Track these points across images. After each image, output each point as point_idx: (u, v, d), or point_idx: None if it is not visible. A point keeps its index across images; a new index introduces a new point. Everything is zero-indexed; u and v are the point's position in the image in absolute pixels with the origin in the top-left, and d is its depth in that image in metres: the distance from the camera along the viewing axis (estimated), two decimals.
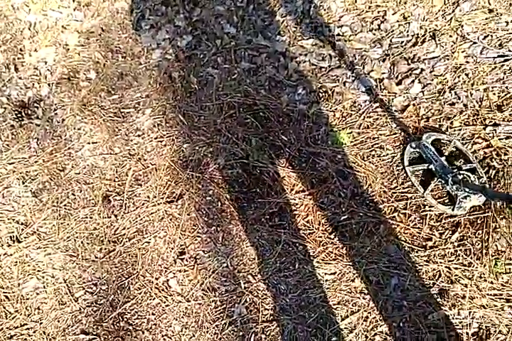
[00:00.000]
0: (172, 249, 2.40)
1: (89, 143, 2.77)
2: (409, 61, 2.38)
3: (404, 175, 2.23)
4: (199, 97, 2.70)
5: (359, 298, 2.09)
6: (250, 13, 2.78)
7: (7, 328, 2.44)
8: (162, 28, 2.94)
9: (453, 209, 2.11)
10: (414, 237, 2.12)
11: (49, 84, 3.03)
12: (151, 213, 2.50)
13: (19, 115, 2.98)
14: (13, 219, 2.69)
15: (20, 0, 3.36)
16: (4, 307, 2.49)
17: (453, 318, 1.96)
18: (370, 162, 2.29)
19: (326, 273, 2.16)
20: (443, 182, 2.15)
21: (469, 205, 2.10)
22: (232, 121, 2.58)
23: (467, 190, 2.03)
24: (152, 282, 2.36)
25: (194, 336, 2.22)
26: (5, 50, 3.25)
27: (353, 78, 2.44)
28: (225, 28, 2.79)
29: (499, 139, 2.15)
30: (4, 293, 2.52)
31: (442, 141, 2.23)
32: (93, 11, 3.17)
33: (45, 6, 3.27)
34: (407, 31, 2.44)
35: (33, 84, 3.07)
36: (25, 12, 3.31)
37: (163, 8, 2.98)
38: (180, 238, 2.41)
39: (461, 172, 2.10)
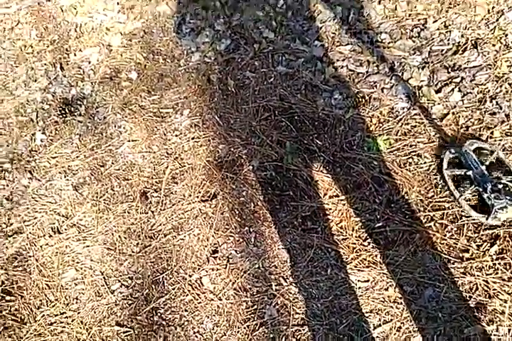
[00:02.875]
0: (205, 247, 2.18)
1: (128, 141, 2.56)
2: (450, 69, 2.10)
3: (442, 184, 1.96)
4: (236, 100, 2.46)
5: (392, 307, 1.84)
6: (289, 18, 2.52)
7: (48, 315, 2.27)
8: (202, 31, 2.71)
9: (487, 219, 1.85)
10: (451, 248, 1.86)
11: (92, 83, 2.83)
12: (186, 211, 2.28)
13: (63, 111, 2.78)
14: (55, 211, 2.51)
15: (68, 3, 3.16)
16: (46, 295, 2.32)
17: (491, 334, 1.70)
18: (406, 169, 2.02)
19: (358, 280, 1.91)
20: (480, 190, 1.89)
21: (505, 217, 1.84)
22: (268, 123, 2.33)
23: (507, 198, 1.78)
24: (185, 279, 2.15)
25: (225, 335, 2.00)
26: (52, 49, 3.06)
27: (391, 84, 2.18)
28: (264, 33, 2.54)
29: None
30: (46, 281, 2.35)
31: (484, 150, 1.94)
32: (136, 14, 2.96)
33: (90, 9, 3.08)
34: (448, 39, 2.16)
35: (77, 82, 2.87)
36: (73, 14, 3.13)
37: (203, 13, 2.74)
38: (213, 236, 2.19)
39: (502, 181, 1.82)
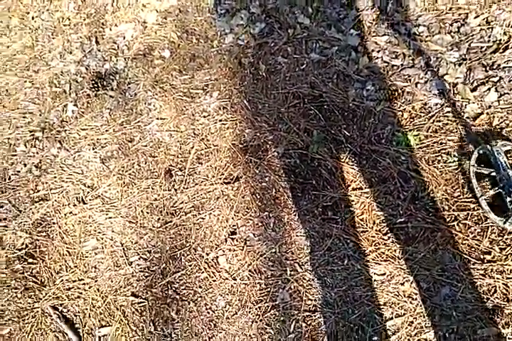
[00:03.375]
0: (224, 227, 2.13)
1: (157, 119, 2.50)
2: (488, 68, 1.97)
3: (469, 184, 1.85)
4: (266, 85, 2.37)
5: (406, 302, 1.78)
6: (326, 5, 2.40)
7: (66, 280, 2.28)
8: (237, 13, 2.60)
9: (504, 223, 1.75)
10: (472, 249, 1.77)
11: (125, 59, 2.76)
12: (209, 191, 2.22)
13: (95, 85, 2.73)
14: (81, 182, 2.48)
15: None
16: (65, 261, 2.32)
17: (506, 337, 1.62)
18: (434, 167, 1.92)
19: (375, 273, 1.85)
20: (504, 193, 1.77)
21: None
22: (296, 111, 2.24)
23: None
24: (203, 256, 2.11)
25: (237, 314, 1.97)
26: (89, 23, 2.99)
27: (426, 79, 2.06)
28: (299, 18, 2.42)
29: None
30: (67, 248, 2.35)
31: None
32: None
33: None
34: (489, 36, 2.02)
35: (111, 57, 2.80)
36: None
37: None
38: (233, 218, 2.13)
39: None
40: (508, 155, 1.84)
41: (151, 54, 2.72)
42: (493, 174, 1.82)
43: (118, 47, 2.83)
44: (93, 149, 2.54)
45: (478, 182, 1.84)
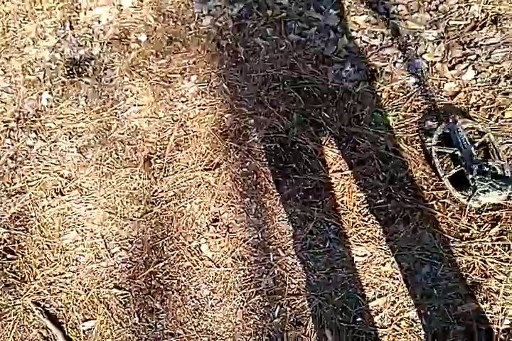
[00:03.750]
0: (206, 215, 2.20)
1: (135, 105, 2.55)
2: (465, 46, 2.04)
3: (448, 163, 1.94)
4: (245, 67, 2.42)
5: (388, 282, 1.87)
6: None
7: (47, 275, 2.32)
8: None
9: (468, 200, 1.85)
10: (451, 227, 1.87)
11: (101, 44, 2.79)
12: (189, 179, 2.29)
13: (70, 72, 2.75)
14: (58, 173, 2.52)
15: None
16: (46, 255, 2.36)
17: (484, 312, 1.72)
18: (413, 147, 2.01)
19: (356, 255, 1.94)
20: (467, 170, 1.87)
21: (485, 200, 1.85)
22: (276, 94, 2.30)
23: (493, 181, 1.78)
24: (185, 245, 2.18)
25: (221, 301, 2.05)
26: (62, 6, 3.00)
27: (404, 59, 2.13)
28: None
29: None
30: (46, 241, 2.39)
31: (476, 131, 1.93)
32: None
33: None
34: (467, 14, 2.09)
35: (86, 42, 2.83)
36: None
37: None
38: (214, 206, 2.20)
39: (489, 164, 1.83)
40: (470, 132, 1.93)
41: (127, 38, 2.76)
42: (457, 153, 1.92)
43: (93, 31, 2.86)
44: (69, 139, 2.59)
45: (440, 161, 1.94)
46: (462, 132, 1.91)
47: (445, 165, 1.96)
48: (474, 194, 1.83)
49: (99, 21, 2.86)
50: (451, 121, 1.95)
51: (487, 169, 1.82)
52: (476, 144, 1.92)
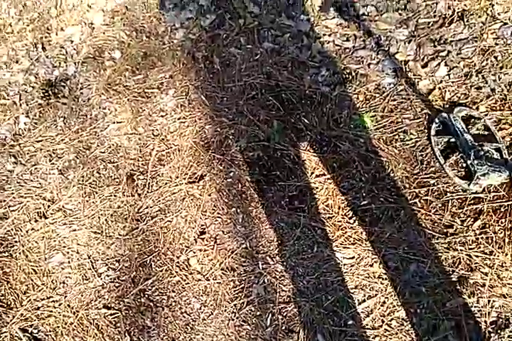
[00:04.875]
0: (193, 228, 2.36)
1: (114, 123, 2.73)
2: (436, 43, 2.24)
3: (428, 160, 2.12)
4: (221, 78, 2.61)
5: (377, 282, 2.03)
6: None
7: (34, 300, 2.46)
8: (186, 7, 2.85)
9: (469, 185, 2.03)
10: (435, 224, 2.03)
11: (75, 63, 2.98)
12: (174, 193, 2.46)
13: (46, 94, 2.95)
14: (40, 196, 2.69)
15: None
16: (32, 280, 2.51)
17: (471, 306, 1.88)
18: (393, 146, 2.19)
19: (344, 257, 2.10)
20: (465, 156, 2.07)
21: (486, 183, 2.02)
22: (255, 102, 2.49)
23: (489, 165, 1.96)
24: (173, 260, 2.34)
25: (212, 314, 2.20)
26: (33, 28, 3.21)
27: (378, 60, 2.33)
28: (249, 7, 2.68)
29: None
30: (32, 266, 2.53)
31: (472, 118, 2.14)
32: None
33: None
34: (434, 11, 2.30)
35: (60, 63, 3.03)
36: None
37: None
38: (201, 218, 2.37)
39: (485, 148, 2.02)
40: (466, 119, 2.14)
41: (101, 56, 2.96)
42: (453, 140, 2.11)
43: (66, 51, 3.06)
44: (50, 161, 2.76)
45: (440, 150, 2.13)
46: (458, 120, 2.10)
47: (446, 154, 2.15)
48: (474, 178, 2.00)
49: (72, 41, 3.07)
50: (446, 110, 2.15)
51: (483, 153, 2.00)
52: (473, 131, 2.11)
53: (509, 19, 2.17)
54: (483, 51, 2.19)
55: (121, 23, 2.98)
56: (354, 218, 2.14)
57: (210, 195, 2.40)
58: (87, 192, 2.61)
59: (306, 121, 2.36)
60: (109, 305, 2.36)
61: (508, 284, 1.87)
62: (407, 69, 2.26)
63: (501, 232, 1.94)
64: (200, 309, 2.23)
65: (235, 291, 2.20)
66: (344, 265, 2.09)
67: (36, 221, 2.63)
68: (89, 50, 2.99)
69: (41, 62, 3.08)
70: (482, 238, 1.96)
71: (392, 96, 2.26)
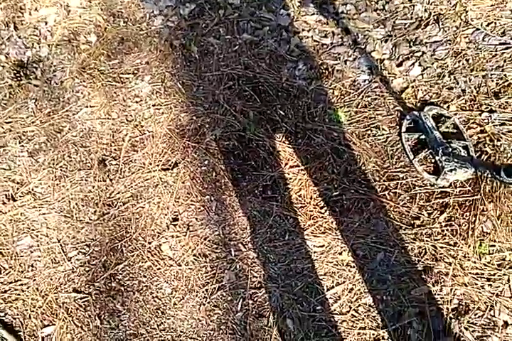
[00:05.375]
0: (165, 215, 2.36)
1: (87, 107, 2.68)
2: (411, 43, 2.32)
3: (398, 155, 2.20)
4: (199, 67, 2.61)
5: (345, 270, 2.09)
6: None
7: (1, 283, 2.40)
8: None
9: (436, 179, 2.12)
10: (403, 215, 2.11)
11: (49, 45, 2.91)
12: (146, 179, 2.44)
13: (17, 75, 2.86)
14: (9, 178, 2.61)
15: None
16: None
17: (435, 294, 1.97)
18: (365, 141, 2.25)
19: (314, 246, 2.15)
20: (433, 153, 2.15)
21: (453, 178, 2.11)
22: (231, 92, 2.50)
23: (455, 161, 2.04)
24: (145, 246, 2.32)
25: (183, 298, 2.21)
26: (4, 7, 3.10)
27: (355, 57, 2.38)
28: None
29: (493, 125, 2.13)
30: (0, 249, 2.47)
31: (442, 117, 2.22)
32: None
33: None
34: (412, 13, 2.37)
35: (33, 44, 2.94)
36: None
37: None
38: (173, 205, 2.36)
39: (453, 145, 2.10)
40: (436, 117, 2.22)
41: (76, 39, 2.89)
42: (423, 137, 2.19)
43: (40, 33, 2.97)
44: (20, 143, 2.69)
45: (409, 146, 2.21)
46: (428, 118, 2.18)
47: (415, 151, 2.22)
48: (442, 173, 2.09)
49: (46, 22, 2.98)
50: (417, 109, 2.23)
51: (451, 150, 2.08)
52: (443, 128, 2.19)
53: (481, 25, 2.27)
54: (455, 53, 2.28)
55: (99, 7, 2.92)
56: (325, 208, 2.19)
57: (183, 183, 2.40)
58: (58, 175, 2.56)
59: (282, 113, 2.39)
60: (79, 289, 2.33)
61: (470, 273, 1.97)
62: (382, 68, 2.32)
63: (465, 225, 2.04)
64: (172, 294, 2.23)
65: (206, 277, 2.22)
66: (314, 253, 2.14)
67: (4, 203, 2.56)
68: (64, 32, 2.92)
69: (12, 42, 2.98)
70: (447, 230, 2.05)
71: (366, 92, 2.32)
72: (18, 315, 2.33)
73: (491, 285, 1.95)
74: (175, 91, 2.59)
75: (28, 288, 2.36)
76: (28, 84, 2.82)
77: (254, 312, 2.11)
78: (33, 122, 2.72)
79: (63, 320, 2.27)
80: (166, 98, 2.59)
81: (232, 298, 2.15)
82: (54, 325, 2.28)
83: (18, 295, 2.36)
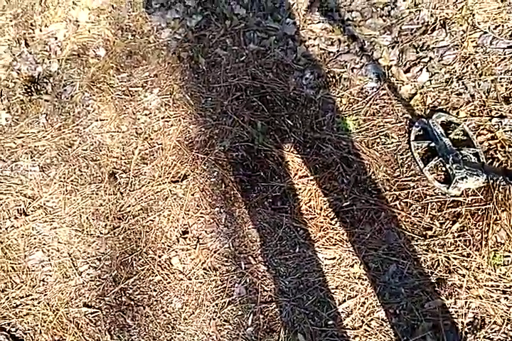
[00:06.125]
0: (175, 227, 2.32)
1: (97, 121, 2.67)
2: (418, 49, 2.25)
3: (408, 163, 2.13)
4: (207, 78, 2.58)
5: (357, 283, 2.02)
6: None
7: (13, 298, 2.39)
8: (172, 7, 2.80)
9: (448, 188, 2.04)
10: (415, 226, 2.03)
11: (59, 60, 2.91)
12: (156, 192, 2.41)
13: (29, 90, 2.87)
14: (21, 193, 2.61)
15: None
16: (11, 278, 2.44)
17: (449, 307, 1.89)
18: (374, 149, 2.18)
19: (325, 258, 2.08)
20: (444, 160, 2.08)
21: (464, 187, 2.02)
22: (239, 103, 2.46)
23: (466, 168, 1.97)
24: (155, 259, 2.29)
25: (194, 313, 2.16)
26: (16, 24, 3.12)
27: (362, 64, 2.32)
28: (235, 9, 2.65)
29: (504, 131, 2.04)
30: (11, 263, 2.46)
31: (451, 124, 2.14)
32: None
33: None
34: (418, 19, 2.30)
35: (43, 59, 2.95)
36: None
37: None
38: (183, 218, 2.32)
39: (463, 152, 2.03)
40: (445, 125, 2.14)
41: (85, 53, 2.89)
42: (432, 145, 2.12)
43: (50, 48, 2.98)
44: (31, 158, 2.69)
45: (419, 155, 2.14)
46: (437, 125, 2.10)
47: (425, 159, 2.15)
48: (453, 181, 2.01)
49: (56, 38, 2.99)
50: (426, 116, 2.16)
51: (461, 157, 2.01)
52: (452, 136, 2.12)
53: (489, 28, 2.19)
54: (463, 58, 2.20)
55: (107, 22, 2.92)
56: (336, 219, 2.12)
57: (193, 195, 2.36)
58: (69, 189, 2.55)
59: (290, 122, 2.34)
60: (89, 304, 2.30)
61: (485, 286, 1.88)
62: (390, 74, 2.25)
63: (479, 235, 1.95)
64: (182, 308, 2.19)
65: (216, 291, 2.17)
66: (325, 265, 2.07)
67: (16, 218, 2.56)
68: (73, 47, 2.92)
69: (24, 58, 3.00)
70: (460, 240, 1.96)
71: (374, 100, 2.26)
72: (28, 330, 2.32)
73: (507, 298, 1.85)
74: (183, 103, 2.56)
75: (39, 303, 2.35)
76: (39, 99, 2.83)
77: (265, 327, 2.05)
78: (44, 137, 2.72)
79: (73, 335, 2.25)
80: (174, 110, 2.56)
81: (243, 313, 2.10)
82: (64, 340, 2.26)
83: (29, 310, 2.35)
